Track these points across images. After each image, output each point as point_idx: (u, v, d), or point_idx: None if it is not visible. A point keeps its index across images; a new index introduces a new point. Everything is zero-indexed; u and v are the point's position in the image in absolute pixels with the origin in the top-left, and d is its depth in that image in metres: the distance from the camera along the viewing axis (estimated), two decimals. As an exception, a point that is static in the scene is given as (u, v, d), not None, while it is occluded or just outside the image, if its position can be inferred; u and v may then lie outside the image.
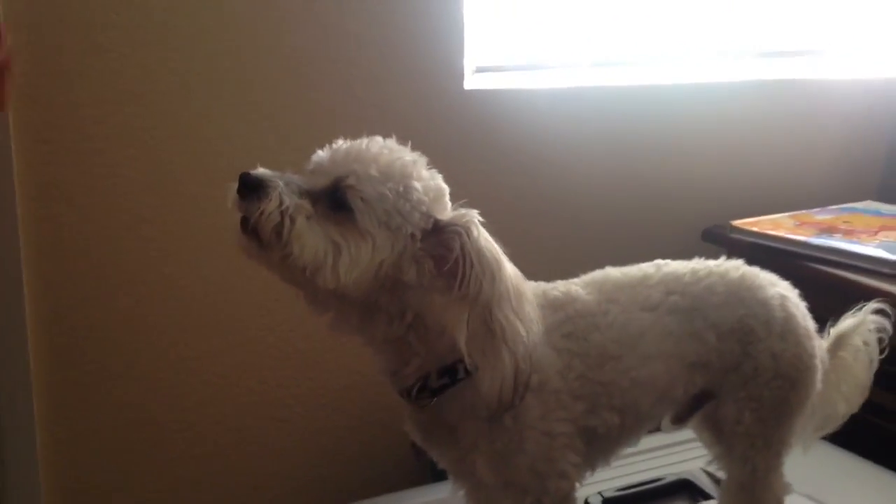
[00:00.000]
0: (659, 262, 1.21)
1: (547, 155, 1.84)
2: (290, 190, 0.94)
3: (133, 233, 1.56)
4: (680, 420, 1.26)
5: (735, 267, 1.22)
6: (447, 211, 1.00)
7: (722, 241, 1.91)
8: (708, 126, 2.02)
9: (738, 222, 1.90)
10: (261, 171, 0.95)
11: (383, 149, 0.99)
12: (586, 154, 1.89)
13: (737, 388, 1.18)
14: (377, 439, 1.81)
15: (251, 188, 0.93)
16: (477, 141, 1.74)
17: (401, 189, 0.96)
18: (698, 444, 1.37)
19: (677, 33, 2.02)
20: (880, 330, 1.29)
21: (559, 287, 1.14)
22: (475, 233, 0.95)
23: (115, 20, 1.47)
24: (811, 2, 2.17)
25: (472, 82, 1.76)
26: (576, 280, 1.17)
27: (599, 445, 1.13)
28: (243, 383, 1.69)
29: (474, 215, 0.97)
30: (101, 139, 1.50)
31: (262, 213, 0.92)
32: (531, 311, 0.98)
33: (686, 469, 1.48)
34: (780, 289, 1.22)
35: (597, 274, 1.19)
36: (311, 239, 0.92)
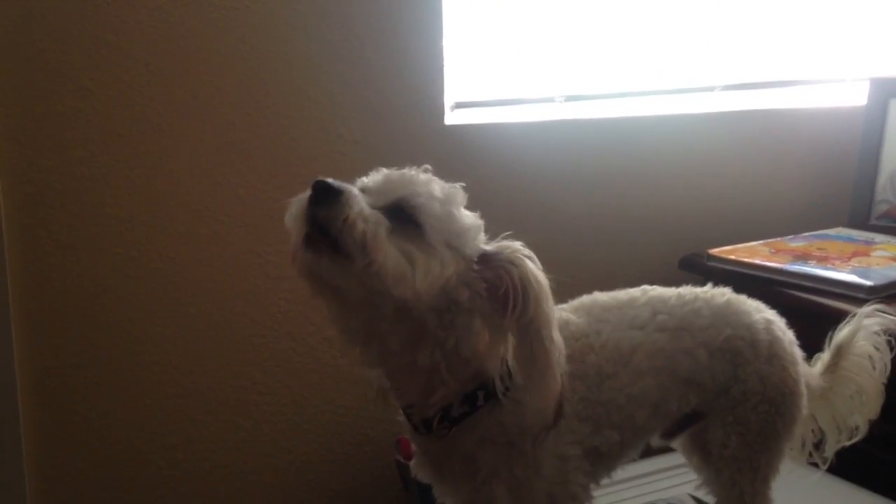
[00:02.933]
0: (645, 287, 1.24)
1: (524, 186, 1.87)
2: (362, 202, 0.95)
3: (119, 272, 1.56)
4: (671, 434, 1.28)
5: (721, 293, 1.25)
6: (484, 241, 1.04)
7: (699, 270, 1.94)
8: (682, 156, 2.07)
9: (715, 251, 1.93)
10: (335, 180, 0.94)
11: (433, 178, 1.03)
12: (563, 186, 1.92)
13: (725, 411, 1.21)
14: (365, 474, 1.81)
15: (331, 194, 0.92)
16: (457, 175, 1.75)
17: (458, 214, 1.01)
18: (686, 469, 1.39)
19: (649, 67, 2.07)
20: (885, 331, 1.32)
21: None
22: (528, 261, 1.00)
23: (99, 62, 1.49)
24: (778, 33, 2.23)
25: (451, 118, 1.79)
26: (564, 306, 1.19)
27: (603, 463, 1.16)
28: (230, 419, 1.69)
29: (520, 246, 1.02)
30: (87, 179, 1.52)
31: (346, 220, 0.91)
32: (559, 335, 1.00)
33: (674, 495, 1.50)
34: (765, 314, 1.25)
35: (584, 299, 1.22)
36: (390, 249, 0.93)
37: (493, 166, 1.82)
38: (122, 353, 1.59)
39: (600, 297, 1.22)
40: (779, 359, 1.22)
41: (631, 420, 1.15)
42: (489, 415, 1.04)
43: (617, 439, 1.13)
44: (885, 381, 1.32)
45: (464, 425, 1.05)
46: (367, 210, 0.94)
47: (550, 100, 1.96)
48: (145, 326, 1.60)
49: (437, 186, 1.01)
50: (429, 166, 1.06)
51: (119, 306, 1.58)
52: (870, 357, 1.31)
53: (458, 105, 1.83)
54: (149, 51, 1.52)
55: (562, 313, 1.16)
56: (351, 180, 1.01)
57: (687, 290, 1.24)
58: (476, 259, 1.00)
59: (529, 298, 0.96)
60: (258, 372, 1.69)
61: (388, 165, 1.52)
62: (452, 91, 1.80)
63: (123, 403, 1.61)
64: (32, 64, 1.45)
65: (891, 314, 1.33)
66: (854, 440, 1.34)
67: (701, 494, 1.41)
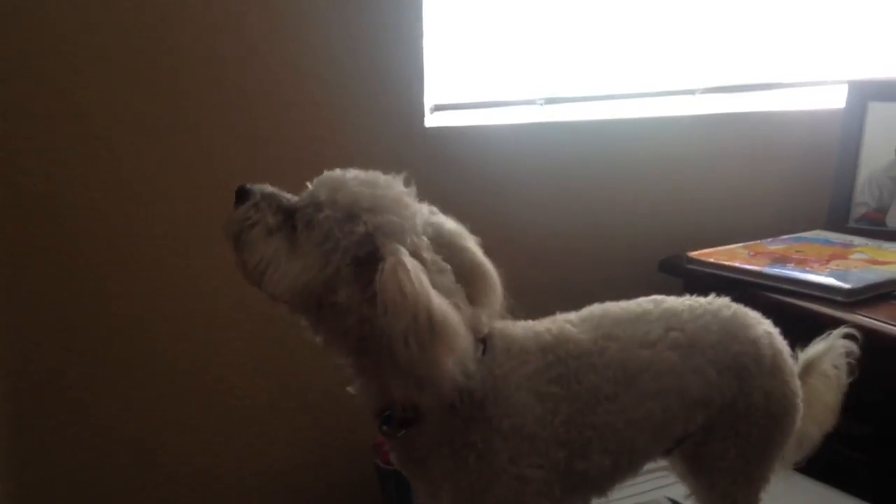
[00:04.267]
0: (656, 297, 1.21)
1: (505, 189, 1.87)
2: (267, 204, 1.04)
3: (99, 272, 1.55)
4: (667, 452, 1.25)
5: (726, 305, 1.22)
6: (399, 245, 1.01)
7: (679, 272, 1.94)
8: (661, 159, 2.07)
9: (694, 253, 1.94)
10: (256, 185, 1.06)
11: (354, 179, 1.04)
12: (543, 189, 1.92)
13: (726, 426, 1.18)
14: (343, 478, 1.80)
15: (238, 197, 1.06)
16: (438, 177, 1.75)
17: (342, 217, 1.01)
18: (663, 472, 1.38)
19: (630, 70, 2.08)
20: (849, 354, 1.31)
21: (553, 328, 1.13)
22: (389, 266, 0.97)
23: (78, 64, 1.48)
24: (758, 37, 2.24)
25: (431, 120, 1.79)
26: (571, 316, 1.16)
27: (590, 487, 1.13)
28: (208, 423, 1.68)
29: (399, 250, 0.98)
30: (64, 180, 1.50)
31: (228, 221, 1.05)
32: (457, 348, 0.97)
33: (652, 498, 1.50)
34: (765, 326, 1.23)
35: (595, 309, 1.18)
36: (259, 248, 1.02)
37: (473, 168, 1.82)
38: (100, 356, 1.58)
39: (611, 308, 1.18)
40: (781, 372, 1.20)
41: (629, 444, 1.12)
42: (438, 425, 1.05)
43: (608, 464, 1.10)
44: (841, 401, 1.32)
45: (415, 431, 1.06)
46: (256, 213, 1.04)
47: (531, 102, 1.96)
48: (123, 330, 1.59)
49: (333, 192, 1.03)
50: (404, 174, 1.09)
51: (99, 308, 1.56)
52: (835, 375, 1.31)
53: (438, 107, 1.83)
54: (129, 54, 1.51)
55: (565, 327, 1.13)
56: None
57: (695, 302, 1.21)
58: (351, 262, 1.00)
59: (386, 305, 0.95)
60: (236, 376, 1.68)
61: (367, 168, 1.52)
62: (432, 93, 1.80)
63: (98, 408, 1.60)
64: (8, 64, 1.44)
65: (863, 333, 1.33)
66: (800, 456, 1.33)
67: (678, 497, 1.42)
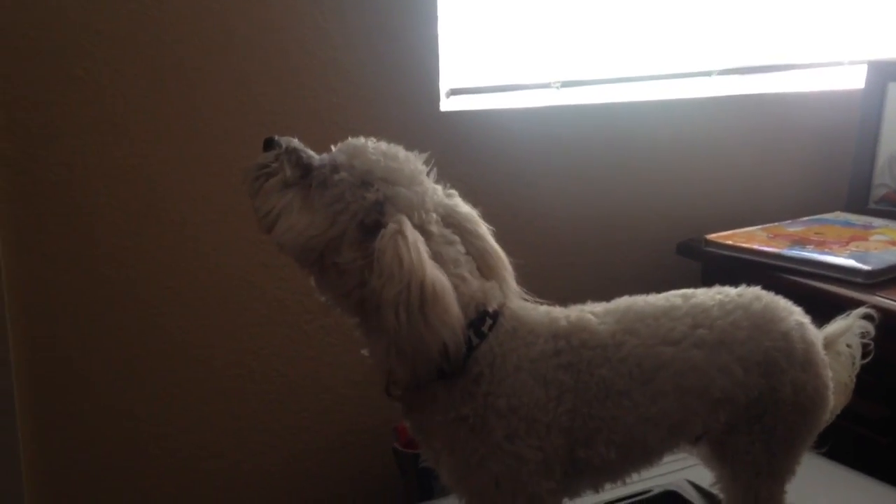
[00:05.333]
0: (686, 291, 1.18)
1: (522, 173, 1.86)
2: (288, 157, 1.07)
3: (114, 261, 1.56)
4: (689, 444, 1.24)
5: (757, 297, 1.18)
6: (405, 216, 1.03)
7: (697, 255, 1.93)
8: (679, 142, 2.06)
9: (712, 236, 1.93)
10: (284, 137, 1.10)
11: (375, 149, 1.07)
12: (560, 172, 1.91)
13: (752, 420, 1.16)
14: (361, 461, 1.81)
15: (265, 147, 1.09)
16: (454, 161, 1.75)
17: (357, 182, 1.03)
18: (684, 455, 1.37)
19: (646, 52, 2.06)
20: (865, 334, 1.29)
21: (571, 315, 1.11)
22: (389, 233, 0.99)
23: (91, 50, 1.48)
24: (776, 17, 2.22)
25: (447, 104, 1.78)
26: (596, 307, 1.14)
27: (600, 473, 1.12)
28: (226, 409, 1.69)
29: (403, 220, 1.01)
30: (80, 168, 1.51)
31: (248, 167, 1.08)
32: (447, 318, 0.99)
33: (672, 481, 1.49)
34: (797, 316, 1.20)
35: (621, 302, 1.16)
36: (273, 198, 1.05)
37: (489, 152, 1.81)
38: (117, 344, 1.59)
39: (638, 301, 1.15)
40: (812, 365, 1.17)
41: (640, 440, 1.10)
42: (434, 394, 1.06)
43: (614, 456, 1.09)
44: (854, 381, 1.29)
45: (414, 397, 1.08)
46: (276, 164, 1.06)
47: (546, 86, 1.95)
48: (140, 317, 1.60)
49: (350, 157, 1.06)
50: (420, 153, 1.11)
51: (114, 296, 1.57)
52: (849, 354, 1.28)
53: (454, 91, 1.82)
54: (140, 39, 1.51)
55: (586, 315, 1.11)
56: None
57: (725, 297, 1.17)
58: (357, 226, 1.03)
59: (376, 269, 0.98)
60: (254, 361, 1.69)
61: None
62: (448, 77, 1.79)
63: (118, 395, 1.61)
64: (22, 52, 1.44)
65: (883, 314, 1.30)
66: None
67: (699, 481, 1.41)
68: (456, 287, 1.03)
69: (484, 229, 1.12)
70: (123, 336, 1.60)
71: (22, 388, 1.53)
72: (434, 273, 0.99)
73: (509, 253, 1.13)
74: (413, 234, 1.00)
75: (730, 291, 1.19)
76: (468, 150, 1.78)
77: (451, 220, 1.09)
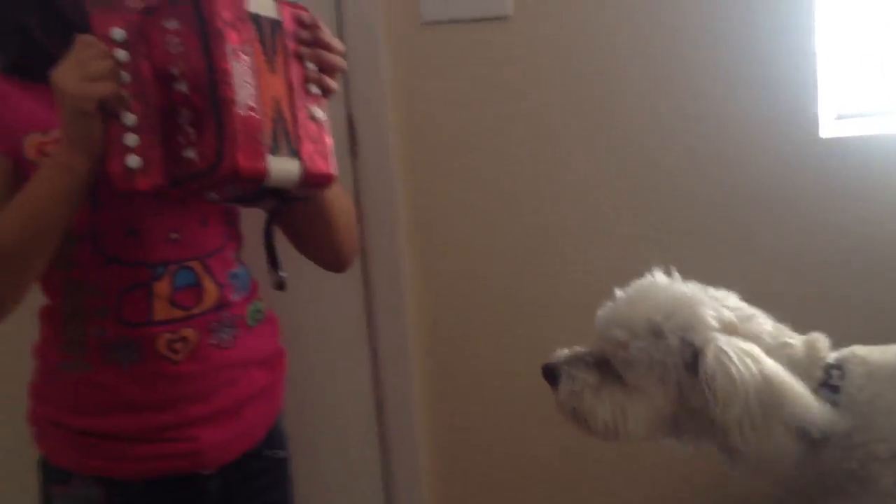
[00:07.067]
0: None
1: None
2: (576, 368, 1.11)
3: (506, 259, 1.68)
4: None
5: None
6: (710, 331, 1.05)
7: None
8: None
9: None
10: (556, 355, 1.15)
11: (632, 302, 1.10)
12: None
13: None
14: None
15: (549, 378, 1.14)
16: (835, 193, 1.60)
17: (650, 342, 1.05)
18: None
19: None
20: None
21: None
22: (710, 358, 1.00)
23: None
24: None
25: (828, 130, 1.63)
26: None
27: None
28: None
29: (714, 337, 1.01)
30: (472, 203, 1.67)
31: (559, 401, 1.13)
32: (795, 408, 0.98)
33: None
34: None
35: None
36: (599, 410, 1.08)
37: (879, 184, 1.61)
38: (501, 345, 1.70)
39: None
40: None
41: None
42: (817, 460, 1.04)
43: None
44: None
45: (800, 478, 1.07)
46: (575, 384, 1.10)
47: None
48: (529, 318, 1.69)
49: (632, 324, 1.07)
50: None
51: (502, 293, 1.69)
52: None
53: (841, 116, 1.66)
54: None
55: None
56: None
57: None
58: (685, 371, 1.04)
59: (716, 397, 0.99)
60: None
61: (755, 183, 1.42)
62: (830, 100, 1.63)
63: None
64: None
65: None
66: None
67: None
68: (789, 358, 1.03)
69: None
70: (505, 339, 1.70)
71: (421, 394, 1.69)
72: (769, 367, 0.99)
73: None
74: (730, 343, 1.00)
75: None
76: (852, 180, 1.61)
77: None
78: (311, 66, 1.03)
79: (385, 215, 1.66)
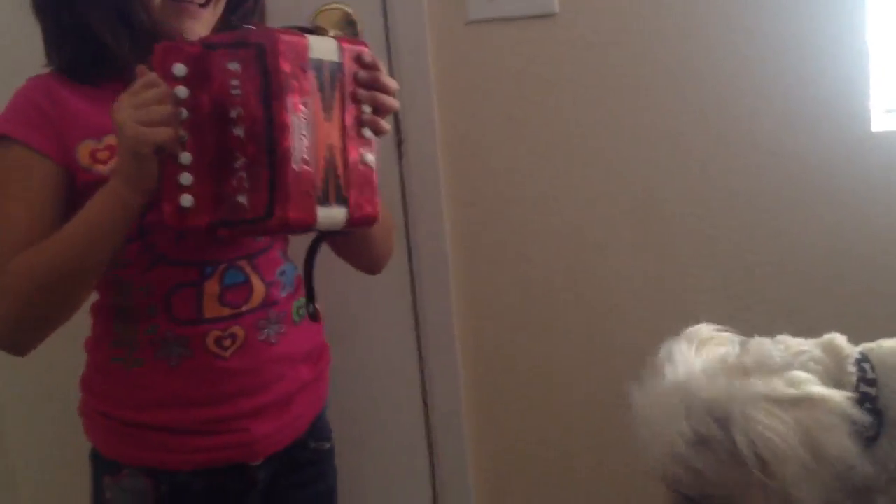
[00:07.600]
0: None
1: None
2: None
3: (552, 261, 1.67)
4: None
5: None
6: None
7: None
8: None
9: None
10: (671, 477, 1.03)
11: (666, 404, 1.00)
12: None
13: None
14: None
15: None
16: (886, 189, 1.57)
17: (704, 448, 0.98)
18: None
19: None
20: None
21: None
22: (740, 434, 0.93)
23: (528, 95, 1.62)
24: None
25: (880, 124, 1.60)
26: None
27: None
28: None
29: (741, 413, 0.94)
30: (516, 202, 1.66)
31: None
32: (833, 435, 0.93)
33: None
34: None
35: None
36: None
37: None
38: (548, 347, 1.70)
39: None
40: None
41: None
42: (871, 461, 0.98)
43: None
44: None
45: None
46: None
47: None
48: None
49: (695, 418, 0.98)
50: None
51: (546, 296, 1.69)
52: None
53: (890, 111, 1.63)
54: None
55: None
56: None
57: None
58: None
59: (755, 462, 0.93)
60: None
61: (806, 177, 1.40)
62: (881, 95, 1.61)
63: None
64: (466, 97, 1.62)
65: None
66: None
67: None
68: (808, 365, 0.99)
69: None
70: (554, 338, 1.70)
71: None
72: (806, 416, 0.93)
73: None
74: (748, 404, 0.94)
75: None
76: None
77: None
78: (366, 108, 1.03)
79: (431, 215, 1.67)
